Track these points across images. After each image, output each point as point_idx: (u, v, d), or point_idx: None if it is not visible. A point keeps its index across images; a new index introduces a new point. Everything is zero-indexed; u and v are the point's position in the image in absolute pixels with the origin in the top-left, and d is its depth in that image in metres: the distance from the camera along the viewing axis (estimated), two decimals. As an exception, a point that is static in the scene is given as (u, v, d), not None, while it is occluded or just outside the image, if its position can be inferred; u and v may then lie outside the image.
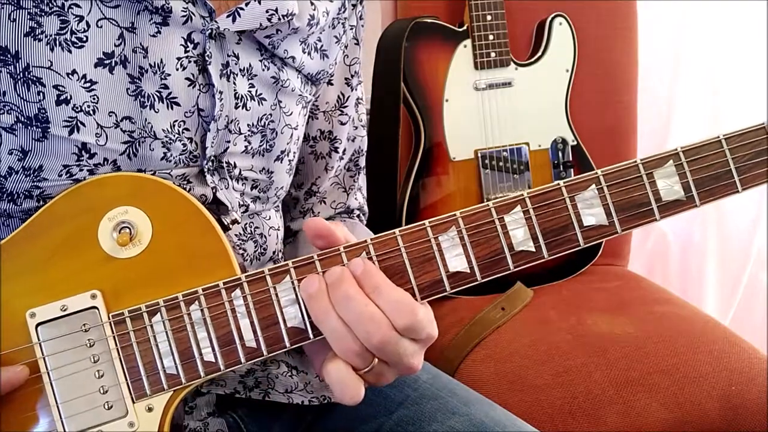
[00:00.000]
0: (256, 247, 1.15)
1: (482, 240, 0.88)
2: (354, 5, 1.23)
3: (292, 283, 0.87)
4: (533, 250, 0.89)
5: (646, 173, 0.89)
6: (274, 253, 1.20)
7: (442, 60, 2.05)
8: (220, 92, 1.01)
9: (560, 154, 2.14)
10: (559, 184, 0.88)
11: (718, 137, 0.90)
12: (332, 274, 0.86)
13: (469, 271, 0.88)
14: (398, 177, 2.07)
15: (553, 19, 2.14)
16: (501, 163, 2.08)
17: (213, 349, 0.86)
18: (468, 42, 2.05)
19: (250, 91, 1.06)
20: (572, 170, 2.14)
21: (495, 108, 2.08)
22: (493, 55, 2.06)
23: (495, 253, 0.88)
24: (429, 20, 2.06)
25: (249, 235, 1.14)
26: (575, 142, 2.14)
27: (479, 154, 2.06)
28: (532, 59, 2.14)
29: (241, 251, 1.12)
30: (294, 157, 1.20)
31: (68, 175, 0.92)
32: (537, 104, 2.13)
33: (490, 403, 1.23)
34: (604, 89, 2.30)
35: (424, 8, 2.16)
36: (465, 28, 2.06)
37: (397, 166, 2.05)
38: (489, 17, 2.04)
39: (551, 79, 2.15)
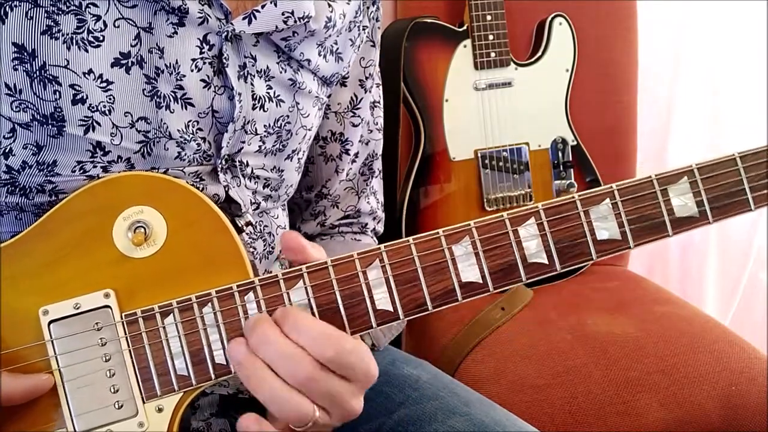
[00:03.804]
0: (264, 246, 1.16)
1: (496, 251, 0.88)
2: (367, 7, 1.23)
3: (305, 287, 0.87)
4: (546, 262, 0.88)
5: (660, 189, 0.89)
6: (281, 252, 1.19)
7: (442, 60, 2.05)
8: (239, 93, 1.01)
9: (560, 154, 2.14)
10: (573, 197, 0.88)
11: (733, 155, 0.90)
12: (248, 321, 0.86)
13: (481, 281, 0.88)
14: (398, 177, 2.07)
15: (553, 19, 2.14)
16: (501, 163, 2.08)
17: (224, 352, 0.87)
18: (468, 42, 2.05)
19: (268, 93, 1.06)
20: (572, 170, 2.14)
21: (495, 108, 2.08)
22: (493, 55, 2.06)
23: (508, 264, 0.88)
24: (429, 20, 2.06)
25: (258, 234, 1.15)
26: (575, 142, 2.15)
27: (479, 154, 2.07)
28: (532, 59, 2.14)
29: (251, 249, 1.13)
30: (303, 155, 1.20)
31: (82, 171, 0.92)
32: (537, 104, 2.13)
33: (491, 403, 1.22)
34: (604, 89, 2.30)
35: (424, 8, 2.16)
36: (465, 28, 2.06)
37: (397, 166, 2.05)
38: (489, 17, 2.04)
39: (551, 79, 2.16)
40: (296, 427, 0.84)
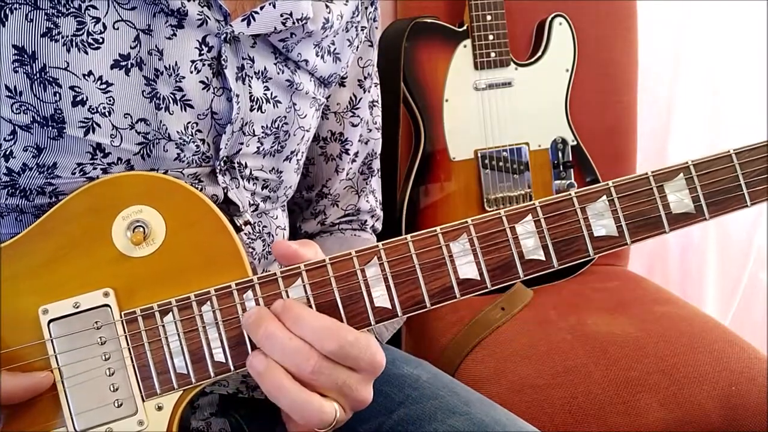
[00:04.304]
0: (263, 246, 1.16)
1: (493, 248, 0.89)
2: (365, 7, 1.24)
3: (304, 285, 0.87)
4: (543, 258, 0.89)
5: (656, 186, 0.89)
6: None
7: (442, 60, 2.05)
8: (237, 95, 1.01)
9: (560, 154, 2.14)
10: (570, 194, 0.89)
11: (729, 152, 0.90)
12: (248, 316, 0.86)
13: (479, 278, 0.88)
14: (398, 177, 2.08)
15: (553, 19, 2.14)
16: (501, 163, 2.08)
17: (224, 350, 0.87)
18: (468, 42, 2.05)
19: (265, 94, 1.07)
20: (572, 170, 2.14)
21: (495, 108, 2.08)
22: (493, 55, 2.06)
23: (505, 261, 0.89)
24: (429, 20, 2.06)
25: (257, 234, 1.15)
26: (575, 142, 2.15)
27: (479, 154, 2.07)
28: (532, 59, 2.14)
29: (250, 250, 1.13)
30: (302, 156, 1.20)
31: (82, 173, 0.92)
32: (537, 104, 2.13)
33: (491, 402, 1.22)
34: (604, 89, 2.30)
35: (424, 8, 2.17)
36: (465, 28, 2.06)
37: (396, 166, 2.05)
38: (489, 17, 2.04)
39: (551, 79, 2.16)
40: (319, 429, 0.85)
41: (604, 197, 0.89)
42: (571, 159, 2.14)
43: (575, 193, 0.89)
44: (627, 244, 0.90)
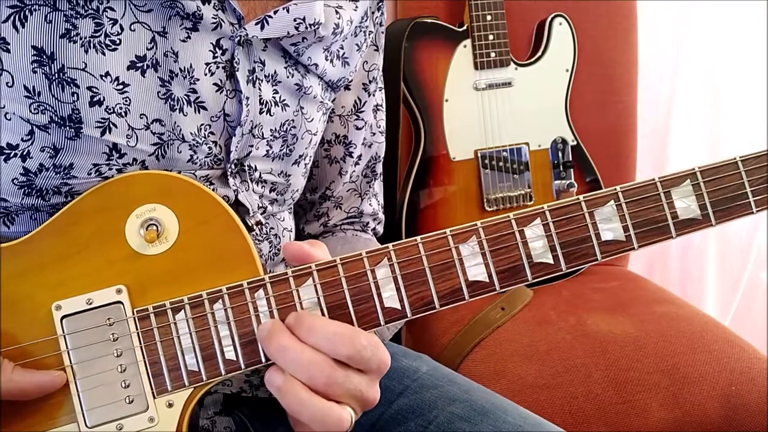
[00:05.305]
0: (270, 247, 1.17)
1: (502, 250, 0.89)
2: (372, 12, 1.24)
3: (315, 285, 0.88)
4: (552, 262, 0.89)
5: (663, 191, 0.90)
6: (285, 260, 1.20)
7: (442, 60, 2.06)
8: (247, 98, 1.02)
9: (560, 154, 2.14)
10: (578, 198, 0.89)
11: (735, 159, 0.91)
12: (262, 330, 0.86)
13: (488, 280, 0.89)
14: (398, 177, 2.08)
15: (553, 19, 2.14)
16: (501, 163, 2.09)
17: (234, 348, 0.87)
18: (468, 42, 2.06)
19: (274, 97, 1.07)
20: (572, 170, 2.14)
21: (495, 108, 2.08)
22: (493, 55, 2.07)
23: (514, 263, 0.89)
24: (429, 20, 2.06)
25: (264, 236, 1.16)
26: (575, 142, 2.15)
27: (479, 154, 2.07)
28: (532, 59, 2.14)
29: (257, 251, 1.13)
30: (309, 160, 1.21)
31: (97, 173, 0.93)
32: (537, 104, 2.13)
33: (492, 392, 1.23)
34: (604, 89, 2.31)
35: (424, 8, 2.17)
36: (465, 28, 2.06)
37: (396, 166, 2.05)
38: (489, 17, 2.05)
39: (551, 79, 2.16)
40: None
41: (612, 202, 0.90)
42: (571, 159, 2.15)
43: (583, 197, 0.90)
44: (634, 248, 0.90)
